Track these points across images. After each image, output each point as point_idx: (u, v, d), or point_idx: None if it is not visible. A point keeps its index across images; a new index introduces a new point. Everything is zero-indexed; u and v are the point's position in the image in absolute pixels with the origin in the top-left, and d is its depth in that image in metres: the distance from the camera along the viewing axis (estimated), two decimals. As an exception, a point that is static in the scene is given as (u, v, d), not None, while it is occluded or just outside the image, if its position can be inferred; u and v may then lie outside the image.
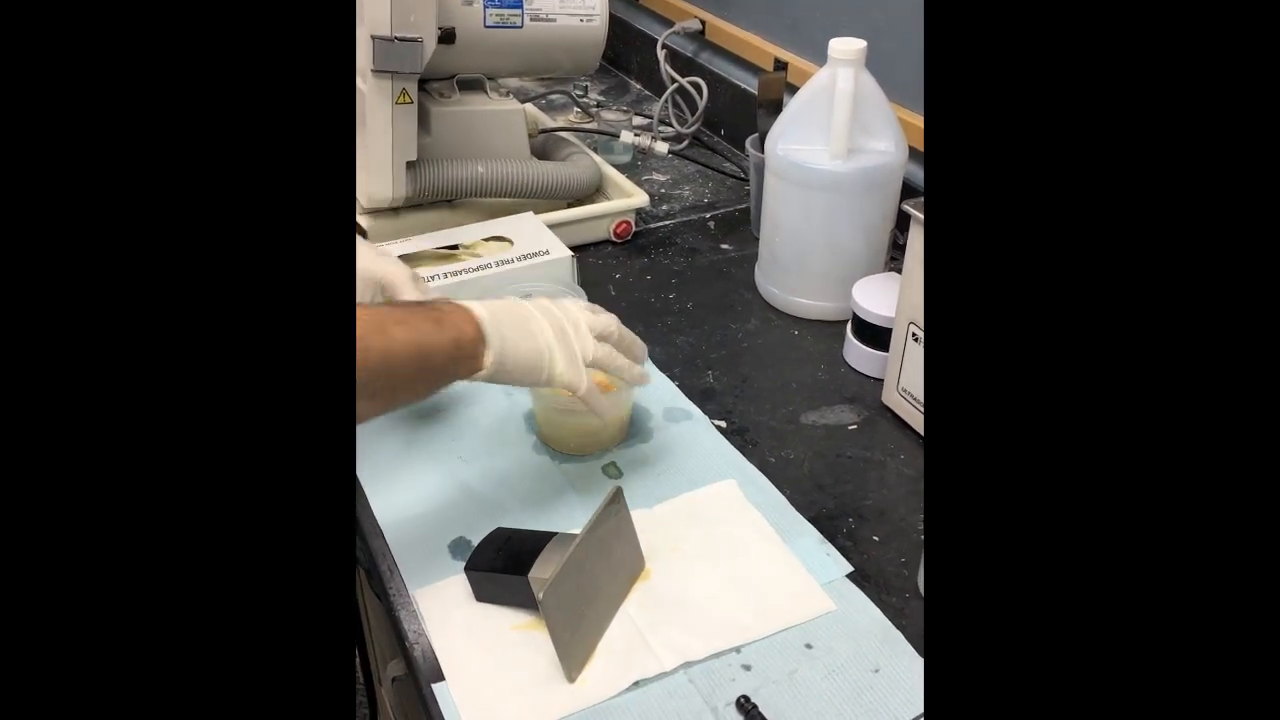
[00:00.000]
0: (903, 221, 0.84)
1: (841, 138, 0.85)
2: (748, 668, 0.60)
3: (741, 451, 0.78)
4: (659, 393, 0.84)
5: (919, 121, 1.01)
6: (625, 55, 1.55)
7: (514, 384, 0.65)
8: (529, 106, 1.22)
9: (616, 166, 1.15)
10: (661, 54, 1.35)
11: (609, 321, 0.69)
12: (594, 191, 1.10)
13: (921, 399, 0.78)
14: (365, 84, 0.90)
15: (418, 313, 0.60)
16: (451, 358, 0.60)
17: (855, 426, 0.81)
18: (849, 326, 0.88)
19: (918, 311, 0.76)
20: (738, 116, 1.29)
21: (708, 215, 1.15)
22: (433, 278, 0.87)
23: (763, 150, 0.95)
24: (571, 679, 0.59)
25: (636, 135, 1.19)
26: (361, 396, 0.54)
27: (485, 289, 0.86)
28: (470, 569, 0.64)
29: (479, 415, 0.81)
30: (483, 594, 0.64)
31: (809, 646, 0.61)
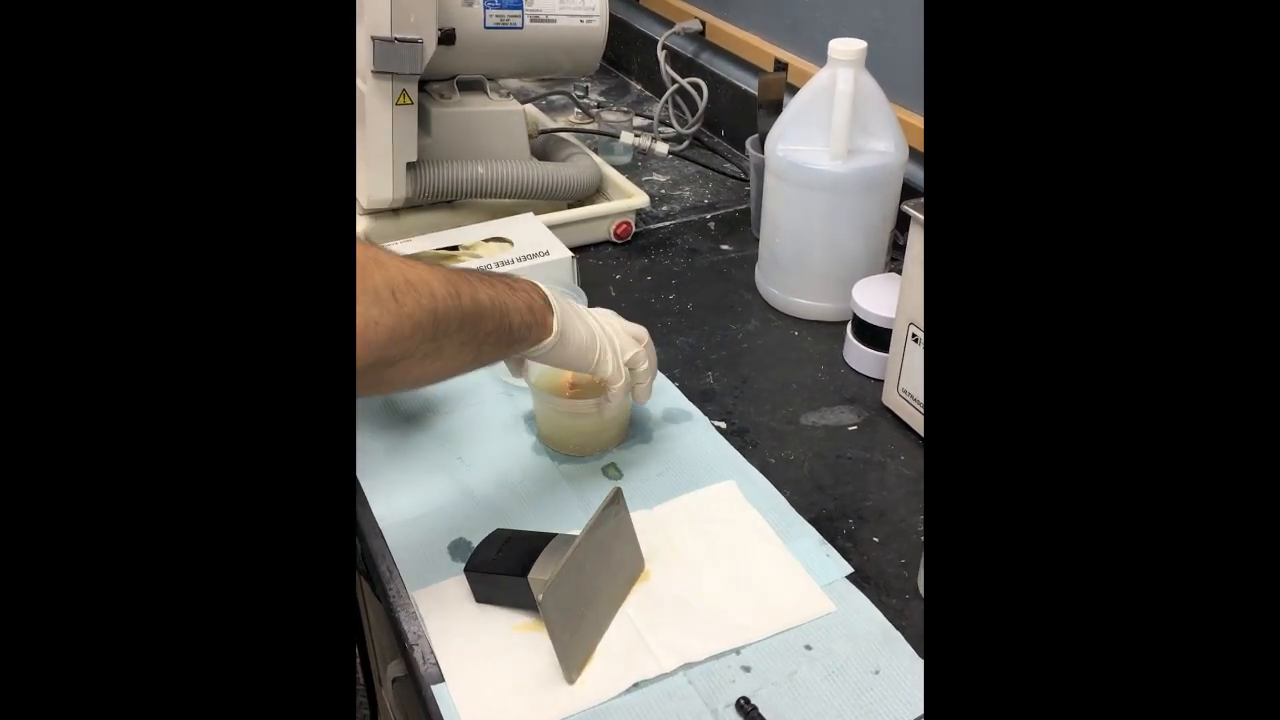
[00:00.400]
0: (903, 222, 0.84)
1: (841, 138, 0.85)
2: (747, 669, 0.60)
3: (741, 452, 0.78)
4: (659, 394, 0.84)
5: (919, 122, 1.01)
6: (625, 56, 1.55)
7: (567, 364, 0.68)
8: (529, 107, 1.22)
9: (617, 167, 1.15)
10: (662, 54, 1.35)
11: (642, 330, 0.73)
12: (594, 192, 1.10)
13: (922, 400, 0.78)
14: (365, 85, 0.90)
15: (490, 276, 0.62)
16: (525, 321, 0.62)
17: (855, 427, 0.81)
18: (849, 327, 0.88)
19: (918, 312, 0.76)
20: (738, 117, 1.29)
21: (708, 216, 1.15)
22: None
23: (763, 151, 0.95)
24: (571, 680, 0.59)
25: (637, 136, 1.19)
26: (454, 342, 0.57)
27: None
28: (470, 570, 0.64)
29: (478, 416, 0.81)
30: (482, 595, 0.64)
31: (809, 648, 0.61)
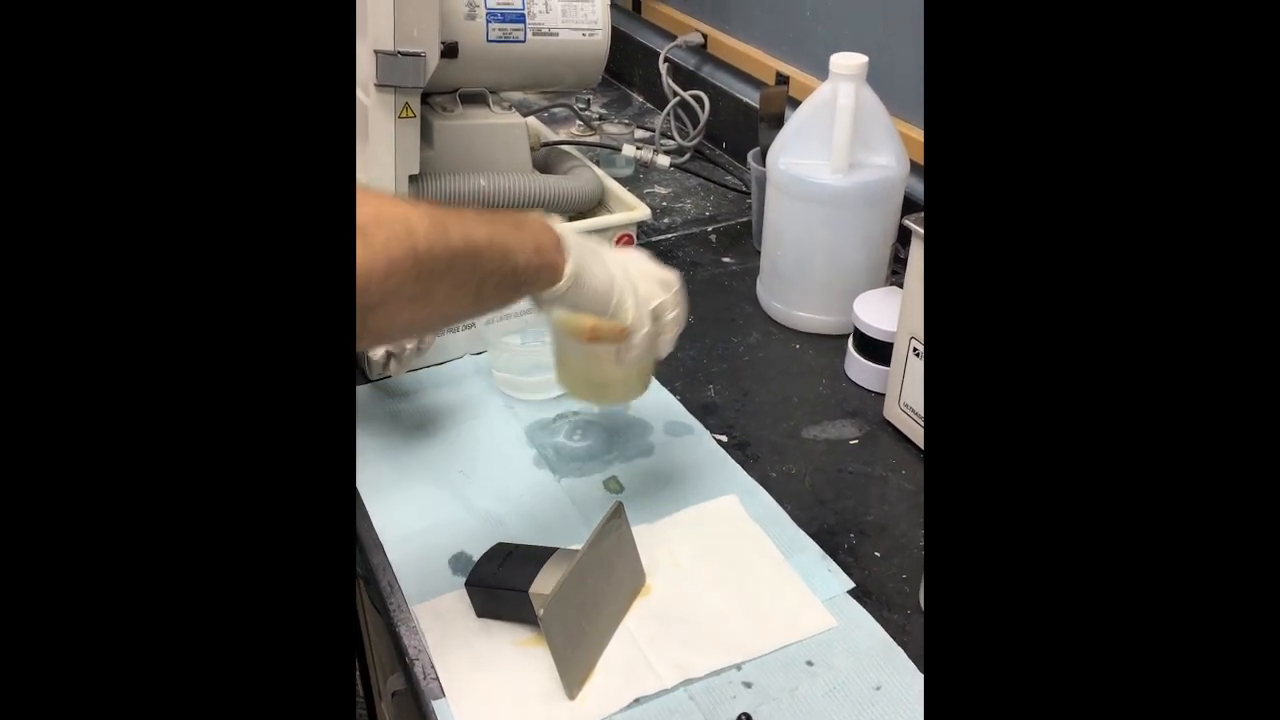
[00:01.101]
0: (904, 236, 0.84)
1: (842, 152, 0.85)
2: (748, 685, 0.60)
3: (743, 466, 0.77)
4: (660, 406, 0.84)
5: (920, 136, 1.01)
6: (627, 69, 1.56)
7: (582, 308, 0.63)
8: (531, 120, 1.22)
9: (618, 180, 1.15)
10: (664, 67, 1.36)
11: (672, 276, 0.68)
12: (596, 205, 1.10)
13: (923, 414, 0.78)
14: (368, 98, 0.91)
15: (495, 215, 0.58)
16: (532, 264, 0.58)
17: (856, 441, 0.81)
18: (850, 341, 0.88)
19: (919, 326, 0.76)
20: (739, 130, 1.29)
21: (709, 229, 1.15)
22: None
23: (764, 164, 0.95)
24: (572, 696, 0.59)
25: (638, 149, 1.19)
26: (445, 284, 0.52)
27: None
28: (471, 584, 0.64)
29: (480, 430, 0.81)
30: (483, 610, 0.64)
31: (810, 663, 0.61)
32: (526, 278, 0.58)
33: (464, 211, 0.55)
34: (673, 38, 1.41)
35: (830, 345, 0.93)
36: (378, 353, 0.75)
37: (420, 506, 0.73)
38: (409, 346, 0.77)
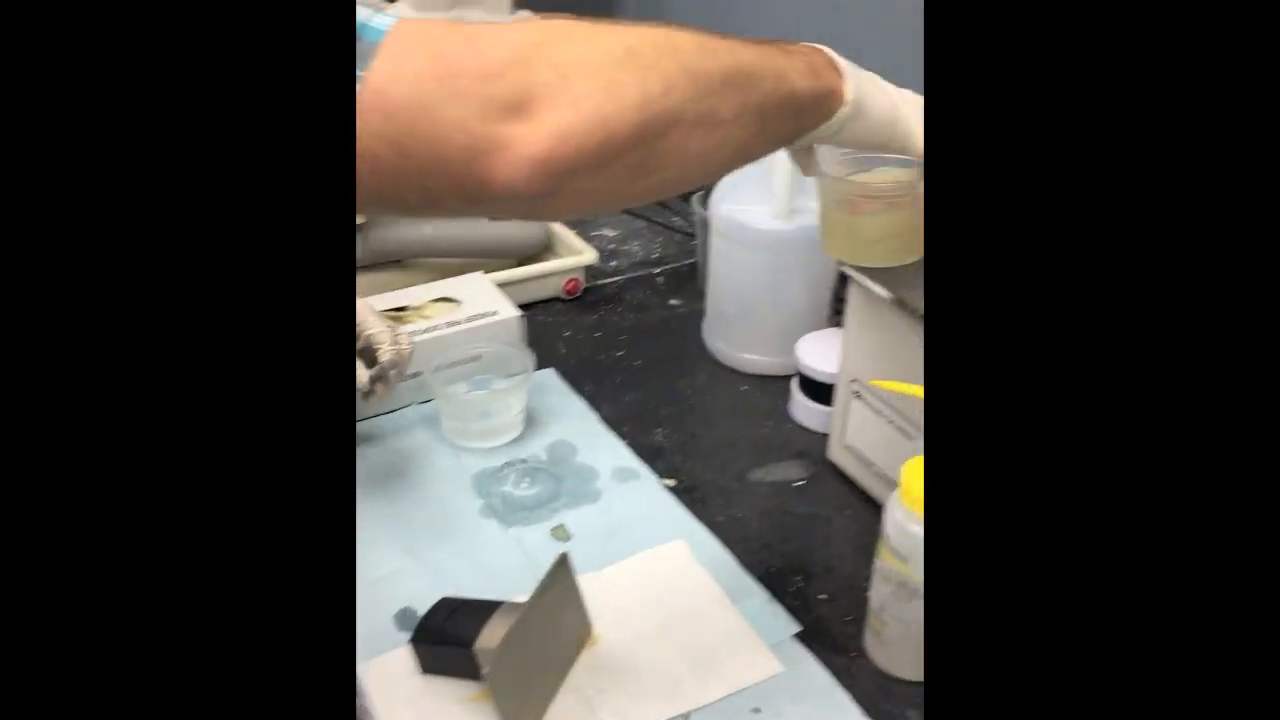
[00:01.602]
0: (844, 278, 0.85)
1: (783, 199, 0.87)
2: (696, 734, 0.60)
3: (690, 510, 0.78)
4: (608, 452, 0.84)
5: (859, 179, 1.03)
6: (575, 111, 1.57)
7: (863, 140, 0.57)
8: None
9: (564, 223, 1.16)
10: (609, 111, 1.37)
11: None
12: (543, 249, 1.11)
13: (865, 455, 0.79)
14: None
15: (749, 39, 0.53)
16: (811, 88, 0.52)
17: (803, 483, 0.82)
18: (794, 382, 0.89)
19: (860, 368, 0.77)
20: (685, 172, 1.30)
21: (656, 271, 1.16)
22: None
23: (707, 208, 0.97)
24: (519, 752, 0.58)
25: (585, 192, 1.20)
26: (727, 103, 0.48)
27: (435, 351, 0.86)
28: (415, 641, 0.64)
29: (426, 479, 0.81)
30: (429, 666, 0.63)
31: (756, 710, 0.61)
32: (806, 105, 0.53)
33: (720, 35, 0.51)
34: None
35: (775, 386, 0.94)
36: (362, 377, 0.73)
37: (365, 560, 0.73)
38: (394, 368, 0.75)
